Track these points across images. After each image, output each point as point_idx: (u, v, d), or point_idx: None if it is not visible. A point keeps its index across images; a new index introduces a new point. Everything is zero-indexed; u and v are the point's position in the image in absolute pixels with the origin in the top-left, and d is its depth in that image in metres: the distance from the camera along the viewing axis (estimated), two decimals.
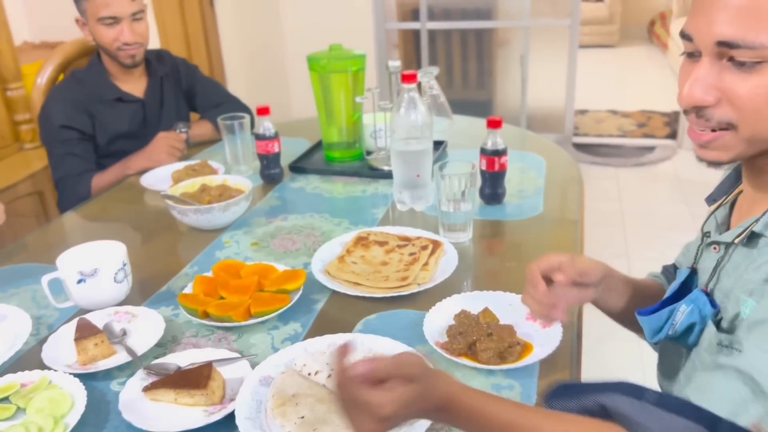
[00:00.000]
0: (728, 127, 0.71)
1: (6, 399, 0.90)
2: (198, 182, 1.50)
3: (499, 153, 1.42)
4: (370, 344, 0.94)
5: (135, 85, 1.96)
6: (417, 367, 0.65)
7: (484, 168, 1.44)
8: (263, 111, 1.61)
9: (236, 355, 0.97)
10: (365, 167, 1.71)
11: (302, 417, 0.78)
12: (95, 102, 1.88)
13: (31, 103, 2.05)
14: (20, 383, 0.93)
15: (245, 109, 2.04)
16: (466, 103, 5.03)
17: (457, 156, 1.74)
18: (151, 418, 0.85)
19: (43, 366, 0.97)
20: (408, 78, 1.37)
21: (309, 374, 0.85)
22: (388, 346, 0.93)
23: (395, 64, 1.62)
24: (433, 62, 4.68)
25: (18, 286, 1.24)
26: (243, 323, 1.05)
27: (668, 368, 0.93)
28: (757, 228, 0.73)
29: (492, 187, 1.45)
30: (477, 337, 0.95)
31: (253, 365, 0.94)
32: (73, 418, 0.86)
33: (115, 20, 1.80)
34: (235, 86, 3.68)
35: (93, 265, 1.10)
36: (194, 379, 0.88)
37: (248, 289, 1.12)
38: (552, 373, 0.93)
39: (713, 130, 0.73)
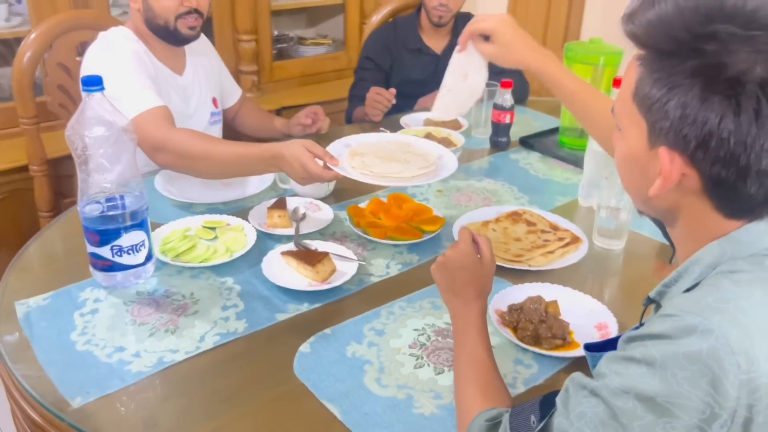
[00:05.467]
0: None
1: (214, 228, 1.35)
2: (427, 130, 1.78)
3: None
4: None
5: (437, 42, 2.29)
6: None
7: None
8: (506, 84, 1.79)
9: (353, 257, 1.25)
10: None
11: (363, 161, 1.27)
12: (400, 47, 2.27)
13: (363, 36, 2.55)
14: (227, 222, 1.37)
15: (522, 81, 2.21)
16: None
17: None
18: (274, 271, 1.20)
19: (245, 218, 1.39)
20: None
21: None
22: None
23: None
24: None
25: None
26: (379, 240, 1.33)
27: None
28: (651, 294, 0.74)
29: None
30: (528, 318, 1.06)
31: (359, 267, 1.22)
32: (238, 254, 1.25)
33: None
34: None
35: None
36: (311, 258, 1.19)
37: (398, 219, 1.38)
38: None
39: None
